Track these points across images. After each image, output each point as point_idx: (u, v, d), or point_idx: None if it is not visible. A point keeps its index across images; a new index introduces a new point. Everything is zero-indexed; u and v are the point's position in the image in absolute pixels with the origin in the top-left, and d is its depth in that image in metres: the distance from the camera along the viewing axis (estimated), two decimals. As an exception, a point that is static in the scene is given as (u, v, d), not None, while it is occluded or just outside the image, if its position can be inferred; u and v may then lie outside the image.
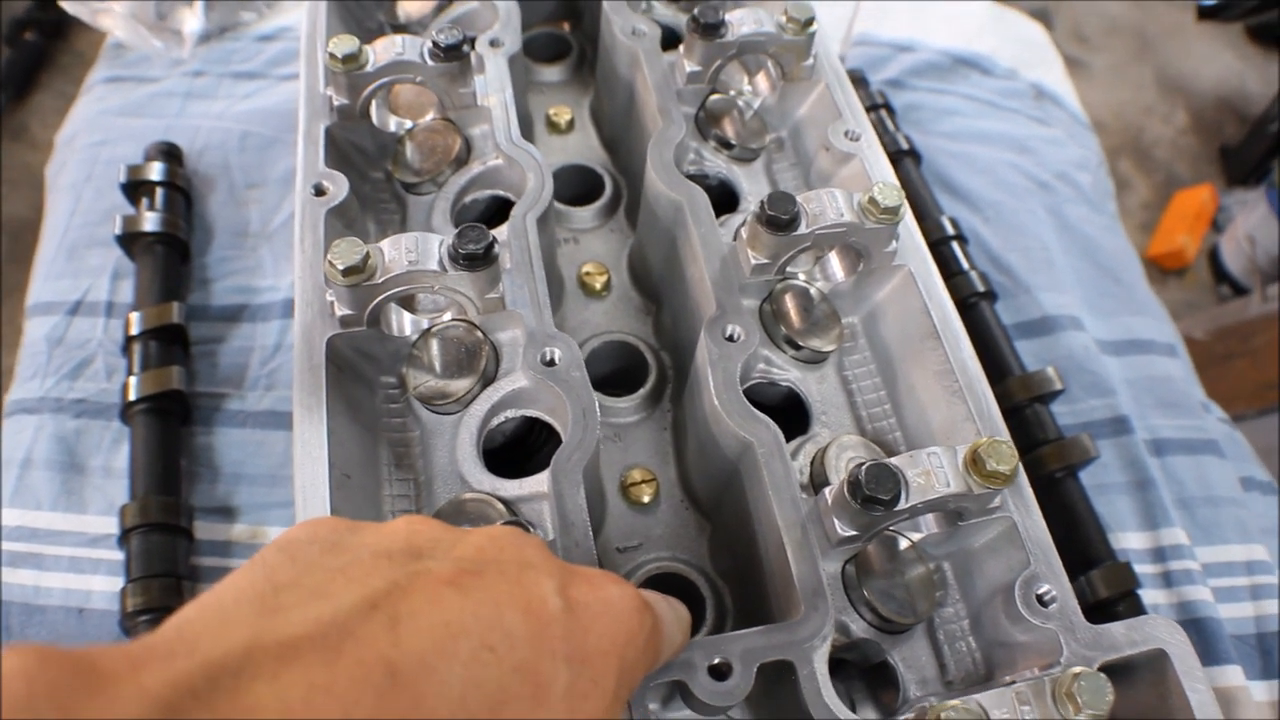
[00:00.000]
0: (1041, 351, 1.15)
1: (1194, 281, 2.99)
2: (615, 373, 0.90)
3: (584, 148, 1.03)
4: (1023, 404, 1.03)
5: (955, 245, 1.13)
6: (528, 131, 0.99)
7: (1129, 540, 1.05)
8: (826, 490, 0.64)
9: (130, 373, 1.00)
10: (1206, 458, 1.14)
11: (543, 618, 0.42)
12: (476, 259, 0.68)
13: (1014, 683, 0.59)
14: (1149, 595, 1.01)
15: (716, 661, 0.59)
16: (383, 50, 0.84)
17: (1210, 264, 3.01)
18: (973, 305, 1.09)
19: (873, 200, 0.73)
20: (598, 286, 0.91)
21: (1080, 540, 0.99)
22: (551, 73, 1.10)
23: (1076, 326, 1.17)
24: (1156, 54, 3.50)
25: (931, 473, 0.63)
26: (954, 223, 1.15)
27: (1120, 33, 3.52)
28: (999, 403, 1.03)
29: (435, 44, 0.83)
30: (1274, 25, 3.46)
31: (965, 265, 1.11)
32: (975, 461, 0.63)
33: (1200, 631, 0.98)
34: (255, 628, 0.35)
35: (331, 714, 0.33)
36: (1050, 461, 1.00)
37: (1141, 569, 1.02)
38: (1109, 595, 0.93)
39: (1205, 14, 3.09)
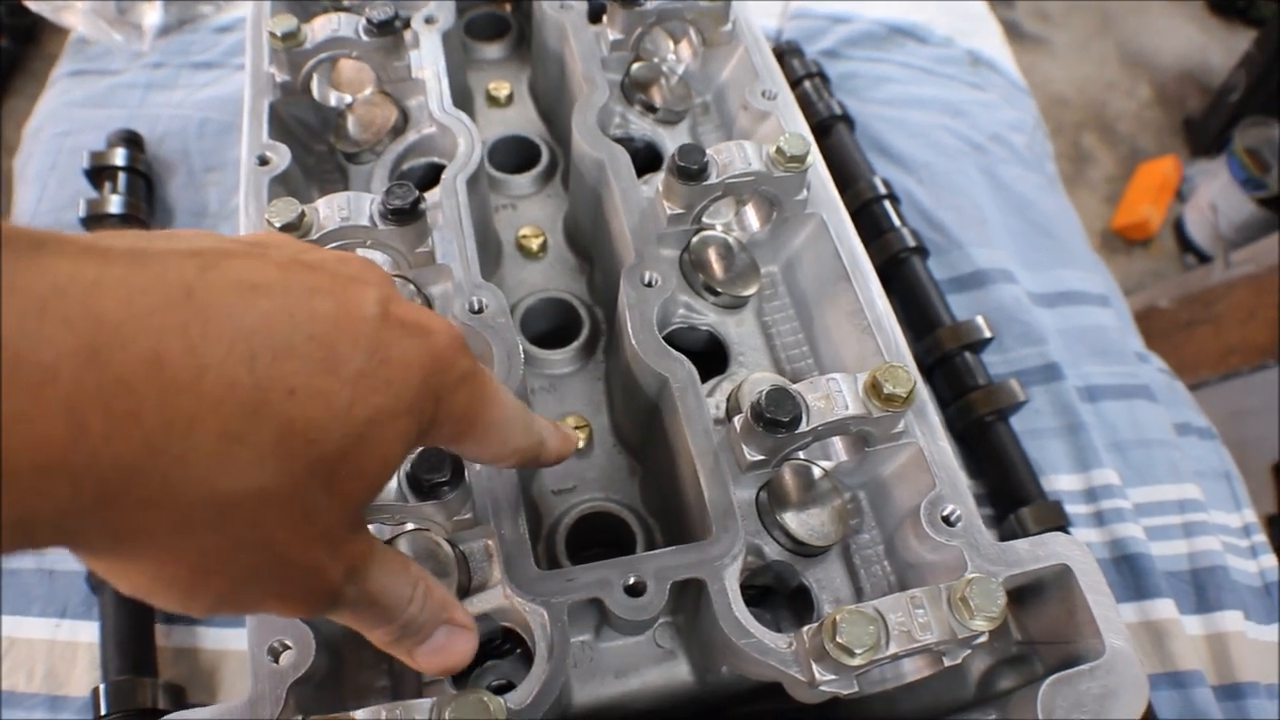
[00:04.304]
0: (973, 304, 1.18)
1: (1159, 251, 3.03)
2: (553, 329, 0.93)
3: (523, 120, 1.07)
4: (953, 352, 1.06)
5: (887, 204, 1.15)
6: (466, 104, 1.03)
7: (1061, 482, 1.08)
8: (736, 419, 0.68)
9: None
10: (1139, 402, 1.17)
11: (353, 314, 0.41)
12: (404, 213, 0.72)
13: (915, 593, 0.62)
14: (1081, 534, 1.04)
15: (632, 581, 0.63)
16: (320, 28, 0.89)
17: (1175, 234, 3.06)
18: (903, 260, 1.12)
19: (780, 150, 0.76)
20: (535, 248, 0.95)
21: (1012, 482, 1.03)
22: (492, 50, 1.14)
23: (1008, 279, 1.20)
24: (1118, 29, 3.54)
25: (831, 396, 0.67)
26: (886, 183, 1.17)
27: (1082, 9, 3.56)
28: (931, 353, 1.09)
29: (369, 20, 0.88)
30: (1234, -3, 3.51)
31: (896, 222, 1.14)
32: (874, 385, 0.66)
33: (1132, 567, 1.02)
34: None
35: (117, 297, 0.33)
36: (980, 406, 1.04)
37: (1073, 509, 1.05)
38: (1039, 532, 0.96)
39: (1165, -12, 3.13)
